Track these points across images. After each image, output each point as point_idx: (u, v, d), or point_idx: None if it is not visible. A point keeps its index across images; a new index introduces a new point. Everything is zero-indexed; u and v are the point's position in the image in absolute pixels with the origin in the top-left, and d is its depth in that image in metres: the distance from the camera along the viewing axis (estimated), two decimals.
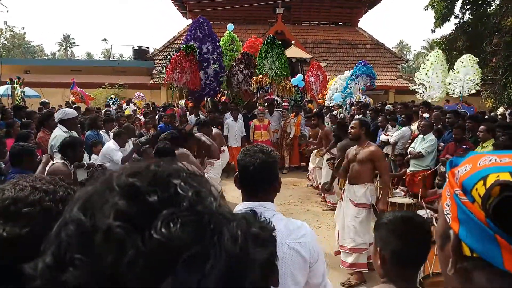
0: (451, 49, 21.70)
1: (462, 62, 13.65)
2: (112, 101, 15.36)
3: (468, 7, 21.71)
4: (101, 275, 0.42)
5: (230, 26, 13.75)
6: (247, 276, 0.49)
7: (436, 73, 13.61)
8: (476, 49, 19.99)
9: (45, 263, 0.45)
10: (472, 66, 13.44)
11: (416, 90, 14.43)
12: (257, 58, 12.03)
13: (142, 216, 0.45)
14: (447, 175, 0.85)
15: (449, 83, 13.67)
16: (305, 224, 1.87)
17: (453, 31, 21.85)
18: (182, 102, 12.67)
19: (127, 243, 0.42)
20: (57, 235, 0.46)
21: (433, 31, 22.27)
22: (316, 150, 8.26)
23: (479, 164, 0.77)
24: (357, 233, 4.50)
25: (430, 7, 21.84)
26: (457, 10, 21.81)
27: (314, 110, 11.83)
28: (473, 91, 13.67)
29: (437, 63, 13.84)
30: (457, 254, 0.71)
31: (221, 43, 13.24)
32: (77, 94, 14.74)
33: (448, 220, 0.74)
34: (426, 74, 13.89)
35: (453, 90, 13.62)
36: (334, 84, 13.96)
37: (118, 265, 0.42)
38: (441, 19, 21.46)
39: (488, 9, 21.39)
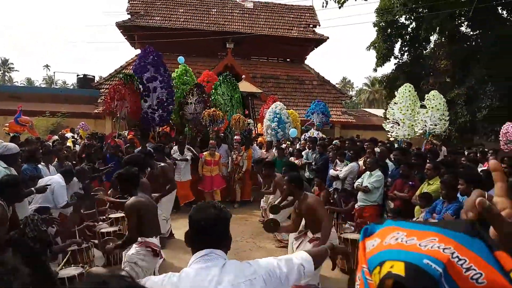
0: (392, 87, 23.03)
1: (429, 98, 12.25)
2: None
3: (406, 49, 23.30)
4: None
5: (180, 59, 13.68)
6: None
7: (410, 108, 12.08)
8: (414, 88, 21.31)
9: None
10: (440, 103, 12.03)
11: (388, 129, 12.72)
12: (211, 92, 12.17)
13: None
14: (359, 245, 0.83)
15: (415, 120, 12.17)
16: (254, 262, 1.91)
17: (393, 71, 23.26)
18: (125, 132, 12.25)
19: None
20: None
21: (375, 70, 23.66)
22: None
23: (385, 243, 0.76)
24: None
25: (372, 47, 23.20)
26: (396, 51, 23.35)
27: (265, 144, 11.92)
28: (443, 129, 12.36)
29: (409, 97, 12.35)
30: None
31: (174, 75, 13.15)
32: (26, 122, 13.86)
33: None
34: (399, 110, 12.19)
35: (422, 128, 12.02)
36: (268, 118, 13.03)
37: None
38: (382, 59, 22.82)
39: (424, 52, 23.05)
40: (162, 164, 6.89)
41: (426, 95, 12.42)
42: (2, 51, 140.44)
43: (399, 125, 12.27)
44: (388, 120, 12.82)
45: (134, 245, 4.02)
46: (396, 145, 11.28)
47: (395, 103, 12.64)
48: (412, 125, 12.02)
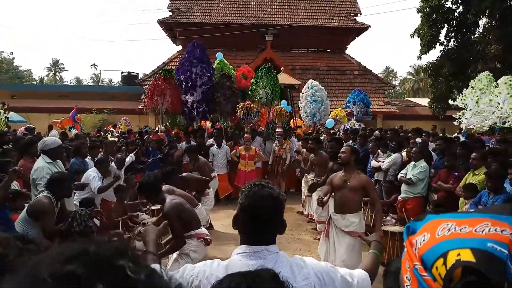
0: (437, 75, 22.11)
1: (499, 86, 10.46)
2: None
3: (453, 34, 22.26)
4: None
5: (219, 55, 13.72)
6: None
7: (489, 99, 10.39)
8: (461, 76, 20.35)
9: None
10: None
11: (459, 117, 11.36)
12: (252, 83, 12.20)
13: None
14: (404, 244, 0.80)
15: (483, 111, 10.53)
16: (308, 262, 1.73)
17: (438, 58, 22.30)
18: (162, 127, 12.46)
19: None
20: None
21: (419, 58, 22.75)
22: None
23: (438, 235, 0.73)
24: (354, 265, 4.32)
25: (416, 34, 22.35)
26: (442, 37, 22.36)
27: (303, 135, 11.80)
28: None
29: (487, 86, 10.84)
30: None
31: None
32: (80, 120, 14.73)
33: None
34: (482, 100, 10.53)
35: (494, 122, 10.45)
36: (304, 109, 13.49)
37: None
38: (426, 46, 21.93)
39: (472, 37, 21.92)
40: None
41: (496, 81, 11.16)
42: (52, 52, 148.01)
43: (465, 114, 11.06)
44: (462, 110, 11.35)
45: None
46: (461, 138, 10.53)
47: (472, 87, 11.23)
48: (486, 117, 10.57)
